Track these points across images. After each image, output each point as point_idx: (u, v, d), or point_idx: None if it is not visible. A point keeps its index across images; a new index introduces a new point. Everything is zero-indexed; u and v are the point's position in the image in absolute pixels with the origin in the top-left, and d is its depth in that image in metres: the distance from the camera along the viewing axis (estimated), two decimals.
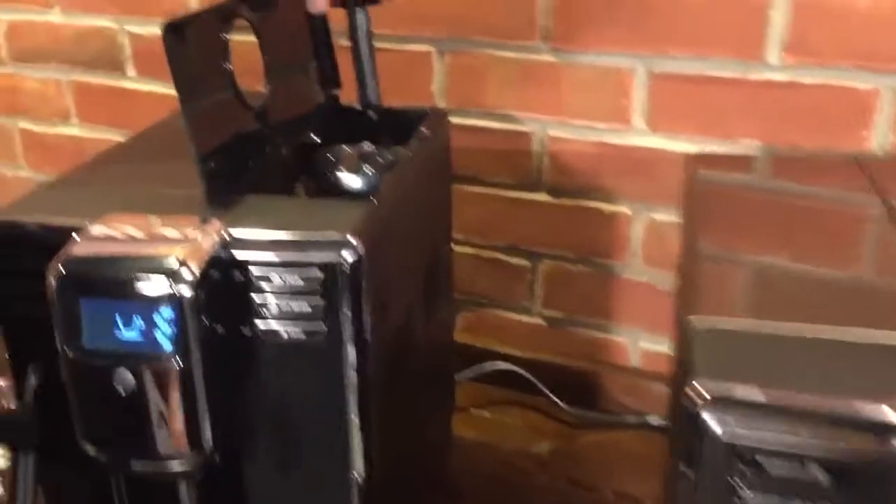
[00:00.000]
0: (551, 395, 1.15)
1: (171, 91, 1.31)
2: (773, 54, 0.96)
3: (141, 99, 1.36)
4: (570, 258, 1.15)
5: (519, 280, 1.19)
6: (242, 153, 0.76)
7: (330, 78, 0.97)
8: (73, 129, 1.45)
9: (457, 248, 1.08)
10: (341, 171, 0.78)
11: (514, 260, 1.19)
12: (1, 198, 1.68)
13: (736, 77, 0.99)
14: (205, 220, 0.62)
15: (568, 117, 1.08)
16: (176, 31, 0.66)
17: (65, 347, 0.59)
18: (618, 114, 1.06)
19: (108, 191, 0.72)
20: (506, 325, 1.23)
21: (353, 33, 0.86)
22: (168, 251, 0.59)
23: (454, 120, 1.13)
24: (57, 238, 0.62)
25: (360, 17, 0.85)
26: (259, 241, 0.62)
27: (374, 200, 0.69)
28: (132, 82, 1.37)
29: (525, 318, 1.21)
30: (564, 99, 1.08)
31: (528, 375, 1.16)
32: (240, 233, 0.62)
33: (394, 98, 1.16)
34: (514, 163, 1.14)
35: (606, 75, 1.04)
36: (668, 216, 1.07)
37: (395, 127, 0.96)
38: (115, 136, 1.42)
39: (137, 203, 0.68)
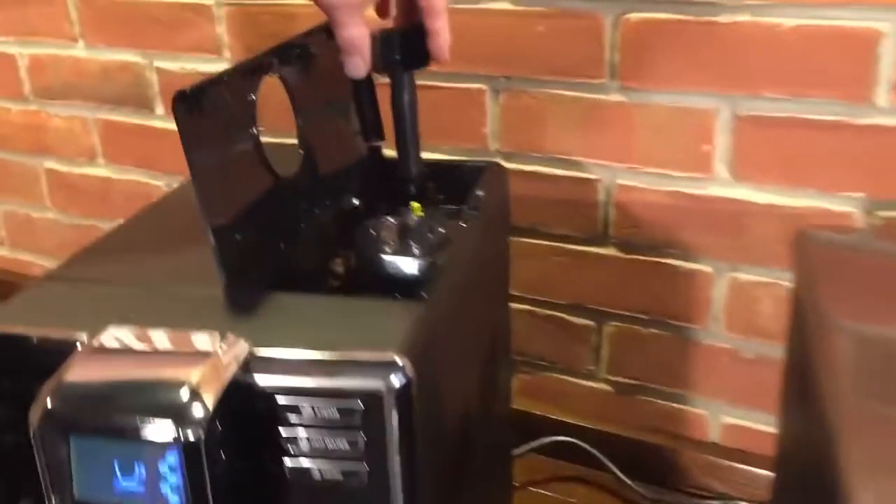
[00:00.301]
0: (619, 472, 1.03)
1: None
2: (881, 96, 0.83)
3: (171, 139, 1.26)
4: (641, 320, 1.02)
5: (582, 342, 1.07)
6: (270, 235, 0.66)
7: (372, 129, 0.86)
8: (101, 170, 1.36)
9: (512, 305, 0.96)
10: (386, 253, 0.66)
11: (577, 319, 1.06)
12: (27, 240, 1.62)
13: (837, 121, 0.85)
14: (223, 337, 0.51)
15: (639, 164, 0.96)
16: (188, 100, 0.56)
17: (52, 498, 0.49)
18: (697, 161, 0.93)
19: (109, 290, 0.61)
20: (567, 390, 1.10)
21: (396, 98, 0.75)
22: (177, 379, 0.48)
23: (509, 165, 1.02)
24: (45, 354, 0.52)
25: (404, 80, 0.74)
26: (287, 363, 0.51)
27: (425, 296, 0.57)
28: (161, 121, 1.27)
29: (589, 384, 1.09)
30: (635, 143, 0.95)
31: (593, 451, 1.04)
32: (265, 352, 0.51)
33: (443, 140, 1.05)
34: (578, 213, 1.01)
35: (684, 117, 0.92)
36: (754, 276, 0.94)
37: (448, 183, 0.85)
38: (144, 178, 1.33)
39: (143, 306, 0.58)
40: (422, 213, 0.81)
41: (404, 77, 0.75)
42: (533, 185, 1.02)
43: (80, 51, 1.29)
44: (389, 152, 0.82)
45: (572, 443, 1.06)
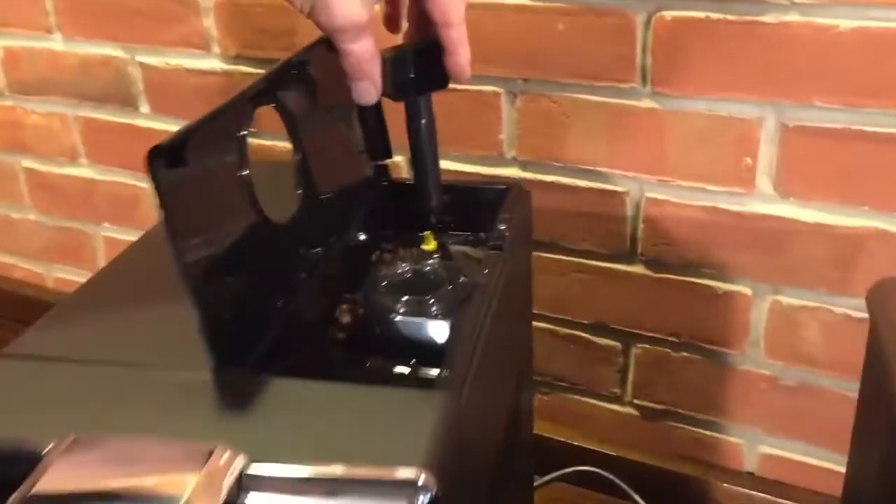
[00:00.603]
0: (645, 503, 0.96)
1: None
2: None
3: (156, 138, 1.17)
4: (671, 342, 0.94)
5: (606, 363, 0.99)
6: (265, 294, 0.57)
7: (378, 147, 0.76)
8: (83, 170, 1.27)
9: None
10: (400, 314, 0.58)
11: (601, 340, 0.98)
12: (7, 242, 1.53)
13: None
14: (210, 452, 0.43)
15: (671, 177, 0.87)
16: (166, 156, 0.47)
17: None
18: (737, 174, 0.84)
19: (77, 371, 0.52)
20: (589, 413, 1.03)
21: (411, 124, 0.66)
22: (164, 496, 0.40)
23: (527, 175, 0.93)
24: (7, 461, 0.44)
25: (420, 104, 0.65)
26: (287, 482, 0.42)
27: (450, 377, 0.49)
28: (146, 120, 1.18)
29: (613, 407, 1.01)
30: (667, 154, 0.86)
31: (617, 481, 0.97)
32: (263, 468, 0.43)
33: (455, 146, 0.96)
34: (602, 228, 0.93)
35: (724, 127, 0.83)
36: (798, 300, 0.86)
37: (464, 207, 0.76)
38: (130, 180, 1.23)
39: (117, 395, 0.49)
40: (435, 245, 0.73)
41: (420, 101, 0.66)
42: (553, 197, 0.93)
43: (56, 43, 1.19)
44: (394, 162, 0.74)
45: (596, 472, 0.98)
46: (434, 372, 0.57)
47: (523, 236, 0.73)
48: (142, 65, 1.14)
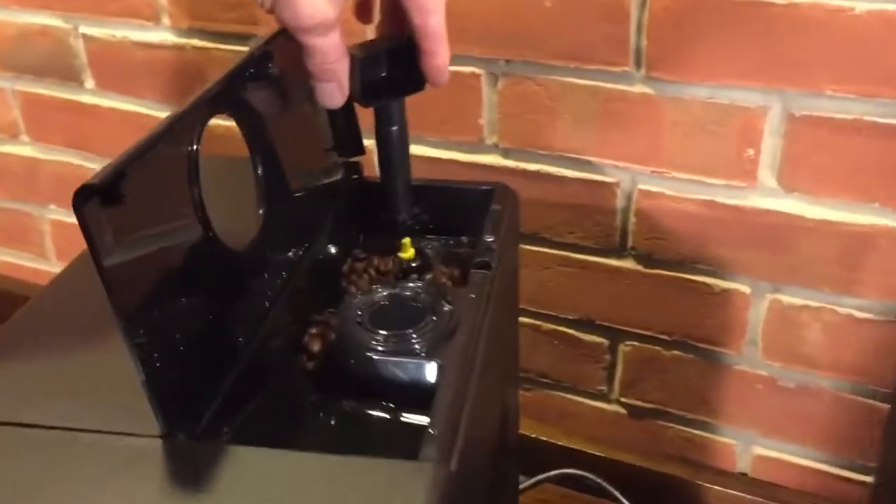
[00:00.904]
0: None
1: (139, 109, 1.03)
2: None
3: (102, 116, 1.08)
4: (662, 340, 0.89)
5: (592, 360, 0.93)
6: (224, 333, 0.50)
7: (349, 143, 0.69)
8: (25, 149, 1.17)
9: None
10: (378, 353, 0.51)
11: (587, 336, 0.92)
12: None
13: None
14: None
15: (666, 168, 0.80)
16: (96, 196, 0.39)
17: None
18: (738, 167, 0.78)
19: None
20: (573, 410, 0.97)
21: (381, 131, 0.58)
22: None
23: (508, 163, 0.86)
24: None
25: (392, 110, 0.57)
26: None
27: (442, 463, 0.42)
28: (92, 96, 1.08)
29: (599, 405, 0.96)
30: (662, 144, 0.80)
31: (605, 485, 0.92)
32: None
33: (431, 131, 0.88)
34: (590, 221, 0.86)
35: (725, 116, 0.76)
36: (800, 299, 0.81)
37: (445, 210, 0.69)
38: (76, 160, 1.14)
39: (41, 473, 0.42)
40: (413, 253, 0.66)
41: (392, 106, 0.58)
42: (537, 188, 0.86)
43: None
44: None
45: (582, 475, 0.93)
46: (417, 419, 0.50)
47: (511, 245, 0.67)
48: (85, 36, 1.04)
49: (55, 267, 1.23)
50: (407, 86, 0.56)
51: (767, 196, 0.78)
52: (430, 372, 0.50)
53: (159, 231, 0.44)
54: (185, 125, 0.47)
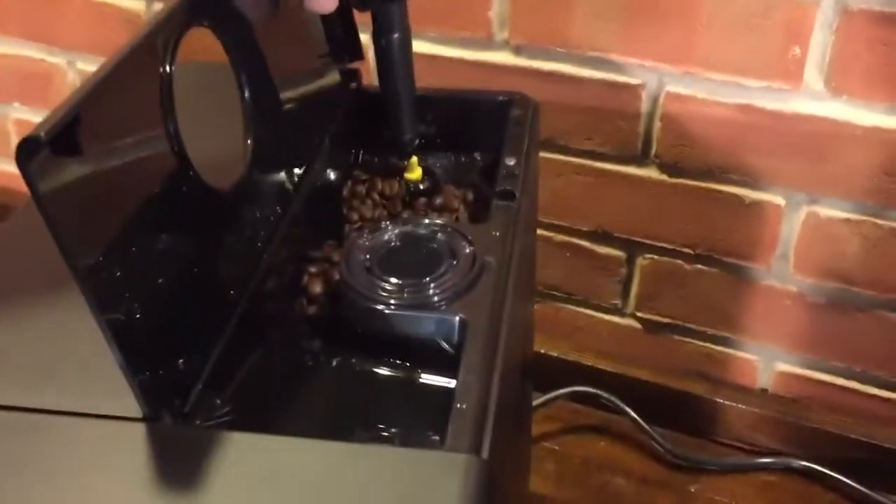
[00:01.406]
0: (647, 426, 0.87)
1: None
2: None
3: (63, 4, 0.97)
4: (684, 254, 0.82)
5: (607, 273, 0.87)
6: (214, 289, 0.43)
7: (345, 47, 0.60)
8: None
9: None
10: (390, 306, 0.44)
11: (602, 249, 0.86)
12: None
13: None
14: None
15: (699, 68, 0.72)
16: (44, 150, 0.31)
17: None
18: (782, 67, 0.69)
19: None
20: (585, 324, 0.92)
21: (380, 38, 0.50)
22: None
23: (520, 62, 0.77)
24: None
25: (392, 13, 0.49)
26: None
27: (475, 449, 0.36)
28: None
29: (612, 318, 0.90)
30: (696, 41, 0.71)
31: (619, 403, 0.88)
32: None
33: (434, 25, 0.79)
34: (610, 126, 0.78)
35: (770, 7, 0.67)
36: (840, 211, 0.74)
37: (455, 121, 0.61)
38: (38, 54, 1.03)
39: (15, 458, 0.36)
40: (420, 173, 0.59)
41: (392, 9, 0.49)
42: (551, 89, 0.78)
43: None
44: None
45: (595, 392, 0.89)
46: (437, 380, 0.44)
47: (533, 163, 0.59)
48: None
49: None
50: None
51: (812, 100, 0.70)
52: (453, 328, 0.44)
53: (128, 179, 0.37)
54: (155, 44, 0.39)
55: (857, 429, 0.83)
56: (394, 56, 0.53)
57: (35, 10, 0.99)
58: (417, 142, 0.58)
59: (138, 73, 0.38)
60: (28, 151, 0.30)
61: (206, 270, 0.42)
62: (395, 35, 0.52)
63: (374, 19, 0.52)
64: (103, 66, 0.35)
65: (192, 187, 0.41)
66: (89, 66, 1.01)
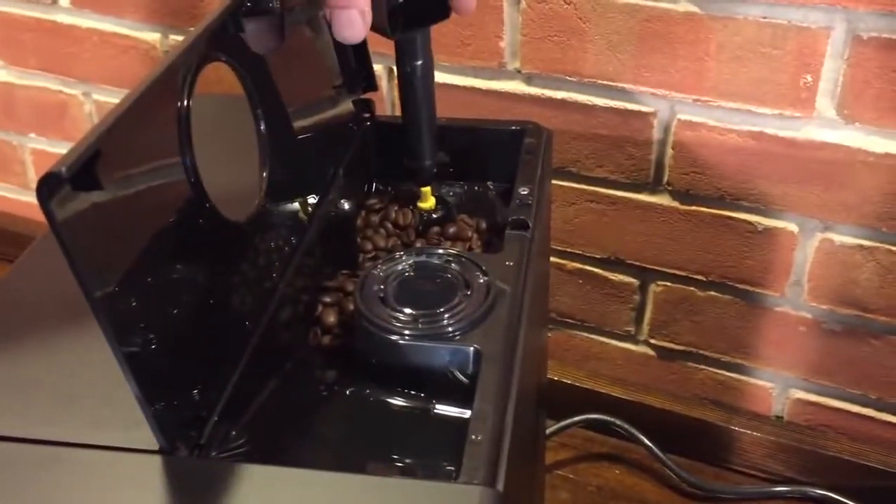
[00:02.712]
0: (662, 454, 0.86)
1: (119, 29, 0.93)
2: None
3: (80, 38, 0.98)
4: (697, 281, 0.82)
5: (620, 300, 0.87)
6: (230, 321, 0.43)
7: (359, 77, 0.61)
8: None
9: None
10: (404, 337, 0.44)
11: (615, 276, 0.86)
12: None
13: None
14: None
15: (711, 96, 0.72)
16: (64, 186, 0.31)
17: None
18: (794, 95, 0.69)
19: None
20: (598, 352, 0.92)
21: (404, 66, 0.51)
22: None
23: (532, 90, 0.78)
24: None
25: (417, 42, 0.49)
26: None
27: (490, 481, 0.36)
28: (68, 16, 0.98)
29: (626, 346, 0.90)
30: (707, 69, 0.71)
31: (633, 430, 0.87)
32: None
33: (447, 55, 0.80)
34: (622, 153, 0.78)
35: (782, 37, 0.68)
36: (854, 238, 0.74)
37: (468, 154, 0.62)
38: (54, 86, 1.05)
39: (30, 491, 0.36)
40: (433, 203, 0.59)
41: (417, 37, 0.50)
42: (563, 117, 0.78)
43: None
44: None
45: (608, 420, 0.88)
46: (452, 411, 0.44)
47: (546, 192, 0.59)
48: None
49: None
50: (432, 13, 0.48)
51: (824, 127, 0.70)
52: (467, 358, 0.44)
53: (146, 211, 0.37)
54: (173, 78, 0.39)
55: (874, 456, 0.82)
56: (417, 83, 0.53)
57: (52, 43, 1.01)
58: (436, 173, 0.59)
59: (157, 107, 0.38)
60: (49, 187, 0.30)
61: (222, 301, 0.43)
62: (419, 62, 0.53)
63: (398, 46, 0.53)
64: (123, 101, 0.36)
65: (208, 219, 0.41)
66: (105, 97, 1.02)
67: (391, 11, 0.47)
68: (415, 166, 0.57)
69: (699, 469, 0.88)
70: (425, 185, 0.58)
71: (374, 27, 0.47)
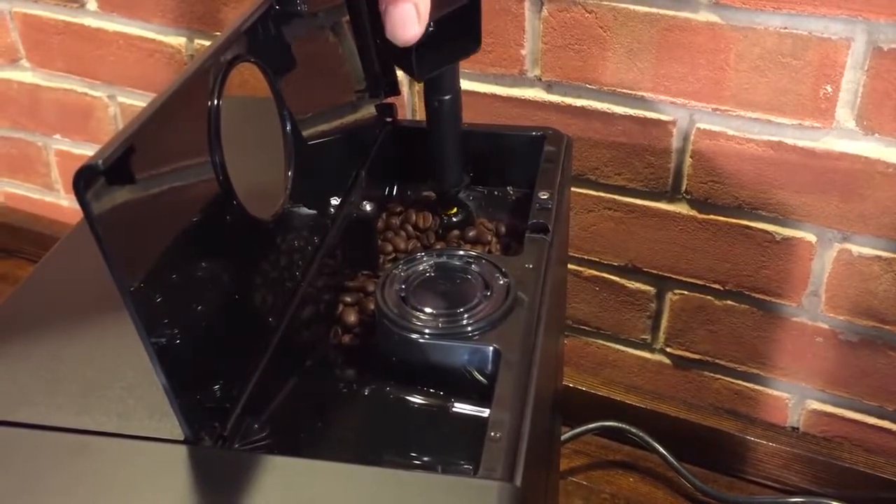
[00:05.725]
0: (676, 463, 0.86)
1: (146, 33, 0.95)
2: None
3: (106, 41, 1.00)
4: (714, 290, 0.82)
5: (636, 308, 0.87)
6: (254, 317, 0.44)
7: (381, 82, 0.62)
8: (25, 75, 1.09)
9: None
10: (424, 336, 0.45)
11: (632, 284, 0.86)
12: None
13: None
14: None
15: (730, 105, 0.73)
16: (99, 179, 0.32)
17: None
18: (813, 105, 0.70)
19: (6, 441, 0.39)
20: (613, 359, 0.92)
21: (432, 99, 0.52)
22: None
23: (552, 98, 0.79)
24: None
25: (447, 76, 0.51)
26: None
27: (508, 477, 0.37)
28: (95, 19, 1.00)
29: (642, 354, 0.91)
30: (727, 79, 0.72)
31: (648, 438, 0.87)
32: None
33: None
34: (640, 161, 0.79)
35: (802, 48, 0.68)
36: (872, 249, 0.74)
37: (484, 156, 0.62)
38: (80, 87, 1.06)
39: (58, 479, 0.37)
40: (455, 208, 0.60)
41: (446, 73, 0.51)
42: (583, 125, 0.79)
43: None
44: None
45: (623, 427, 0.89)
46: (470, 409, 0.45)
47: (565, 197, 0.60)
48: None
49: (63, 199, 1.16)
50: (463, 48, 0.49)
51: (843, 138, 0.70)
52: (486, 358, 0.44)
53: (175, 207, 0.38)
54: (203, 78, 0.40)
55: (890, 469, 0.82)
56: (444, 116, 0.54)
57: (79, 46, 1.02)
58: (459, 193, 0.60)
59: (188, 105, 0.39)
60: (85, 179, 0.31)
61: (246, 298, 0.43)
62: (447, 97, 0.53)
63: (427, 82, 0.53)
64: (155, 100, 0.36)
65: (235, 217, 0.42)
66: (130, 100, 1.03)
67: (418, 52, 0.47)
68: (438, 189, 0.58)
69: (713, 478, 0.88)
70: (450, 209, 0.59)
71: (400, 65, 0.47)
